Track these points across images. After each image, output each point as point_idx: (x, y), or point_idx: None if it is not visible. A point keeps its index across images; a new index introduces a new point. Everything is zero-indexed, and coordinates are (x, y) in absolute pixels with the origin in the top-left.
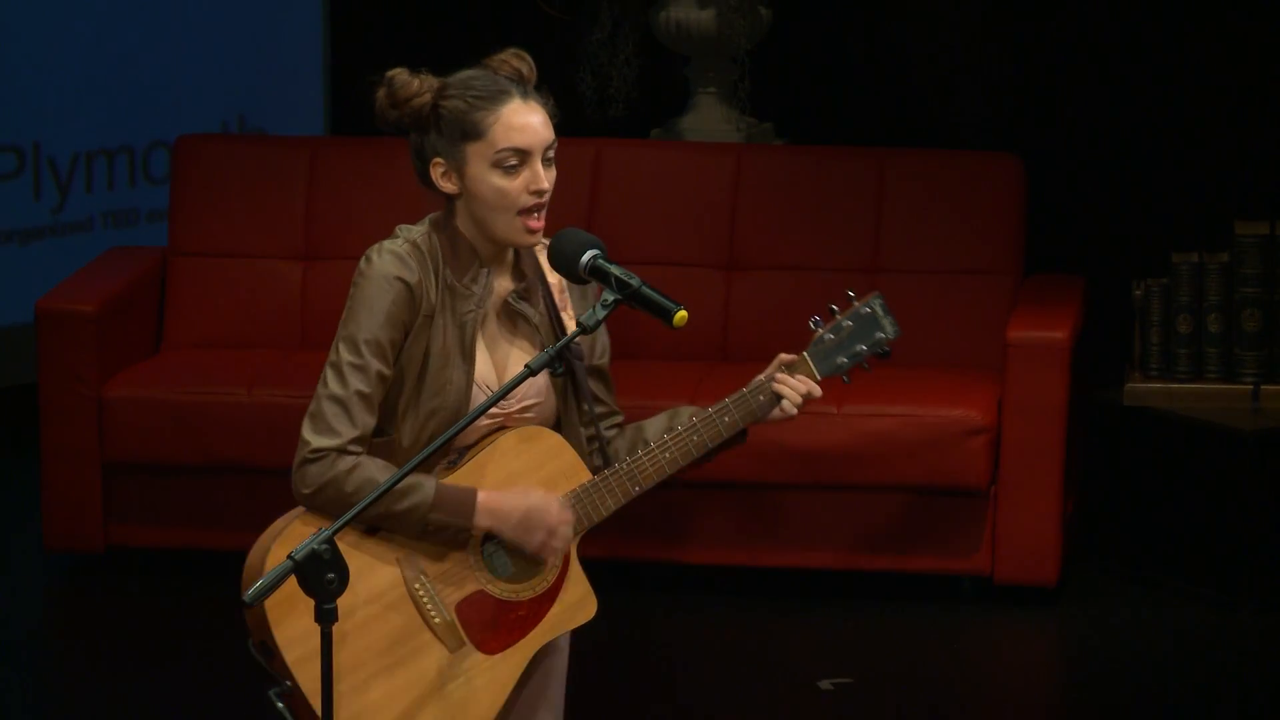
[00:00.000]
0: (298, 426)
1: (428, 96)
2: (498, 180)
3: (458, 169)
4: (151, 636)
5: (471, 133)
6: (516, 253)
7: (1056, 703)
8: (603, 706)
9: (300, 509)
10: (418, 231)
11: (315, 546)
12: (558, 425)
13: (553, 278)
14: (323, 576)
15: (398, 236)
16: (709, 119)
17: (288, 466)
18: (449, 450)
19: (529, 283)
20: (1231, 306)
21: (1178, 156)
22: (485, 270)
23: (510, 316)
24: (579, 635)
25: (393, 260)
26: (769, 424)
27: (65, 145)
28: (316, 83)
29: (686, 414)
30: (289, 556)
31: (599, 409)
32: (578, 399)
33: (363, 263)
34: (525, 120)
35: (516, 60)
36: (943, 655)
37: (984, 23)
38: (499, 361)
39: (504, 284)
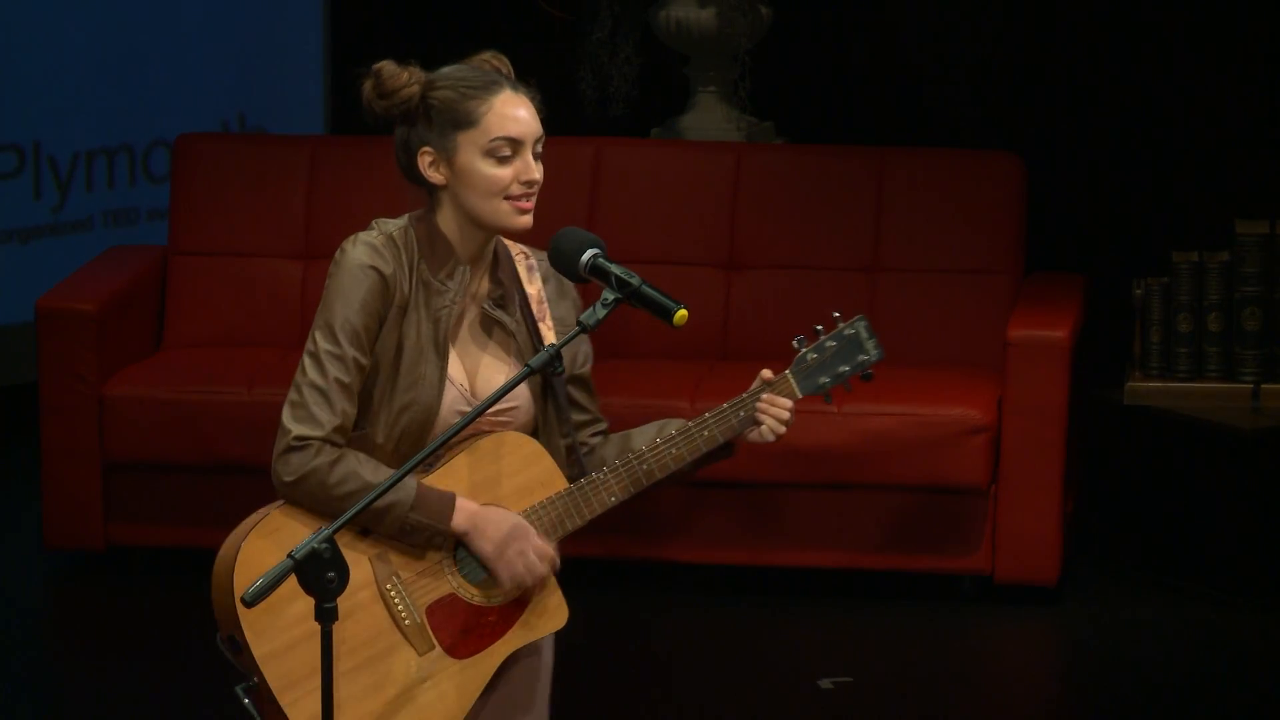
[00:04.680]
0: None
1: (416, 88)
2: (489, 169)
3: (448, 158)
4: (151, 636)
5: (464, 121)
6: (495, 259)
7: (1056, 703)
8: (602, 706)
9: (275, 504)
10: (395, 225)
11: (315, 545)
12: (535, 433)
13: (531, 288)
14: (323, 575)
15: (373, 229)
16: (709, 118)
17: None
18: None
19: (505, 290)
20: (1231, 306)
21: (1178, 156)
22: (463, 268)
23: (486, 323)
24: (580, 636)
25: (366, 250)
26: (746, 442)
27: (65, 144)
28: (316, 82)
29: (676, 425)
30: (289, 555)
31: (582, 417)
32: (556, 408)
33: (337, 253)
34: (517, 110)
35: (496, 60)
36: (943, 655)
37: (984, 23)
38: (470, 365)
39: (481, 289)
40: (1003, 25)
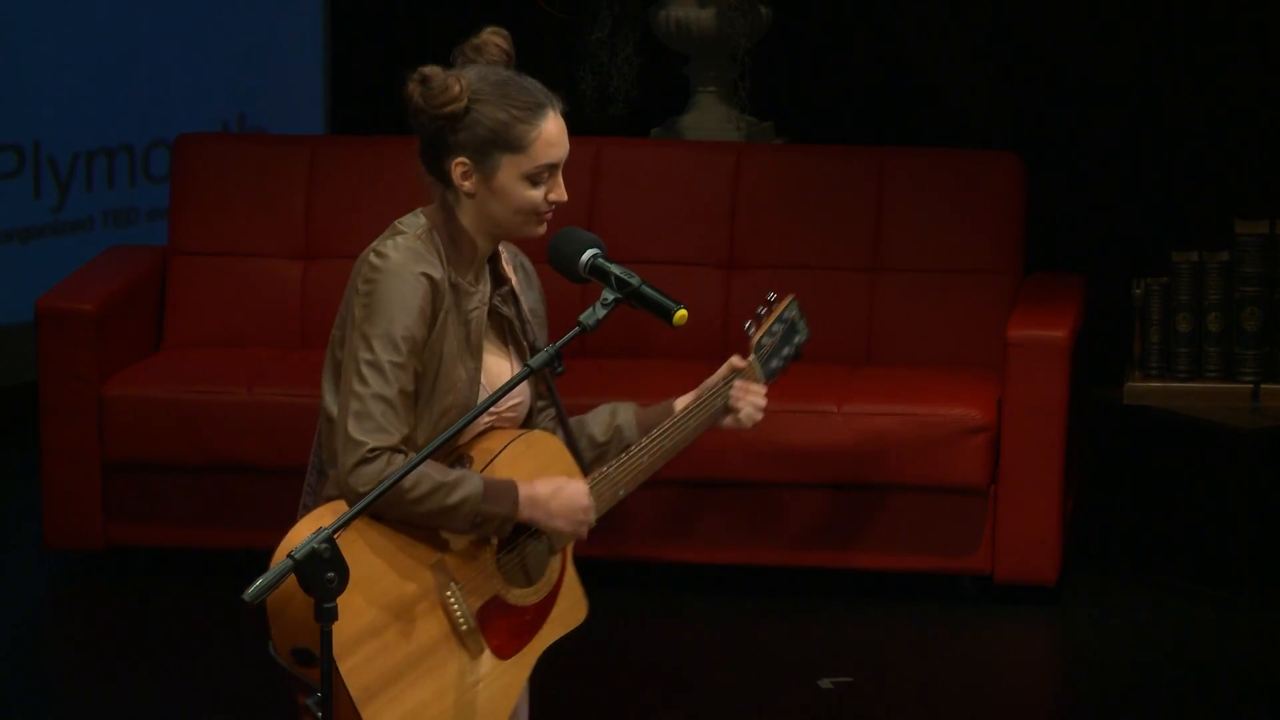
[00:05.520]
0: (298, 425)
1: (465, 101)
2: (526, 191)
3: (484, 175)
4: (151, 636)
5: (513, 145)
6: (493, 256)
7: (1056, 703)
8: (602, 706)
9: (321, 509)
10: (420, 226)
11: (315, 545)
12: (527, 423)
13: (513, 280)
14: (323, 575)
15: (405, 232)
16: (709, 118)
17: (288, 465)
18: (451, 451)
19: (508, 285)
20: (1231, 305)
21: (1178, 156)
22: (486, 268)
23: (492, 318)
24: (579, 635)
25: (414, 256)
26: (722, 429)
27: (65, 144)
28: (316, 82)
29: (627, 409)
30: (289, 555)
31: (540, 401)
32: (537, 396)
33: (375, 259)
34: (560, 133)
35: (500, 39)
36: (943, 655)
37: (983, 23)
38: (487, 362)
39: (485, 286)
40: (1002, 25)
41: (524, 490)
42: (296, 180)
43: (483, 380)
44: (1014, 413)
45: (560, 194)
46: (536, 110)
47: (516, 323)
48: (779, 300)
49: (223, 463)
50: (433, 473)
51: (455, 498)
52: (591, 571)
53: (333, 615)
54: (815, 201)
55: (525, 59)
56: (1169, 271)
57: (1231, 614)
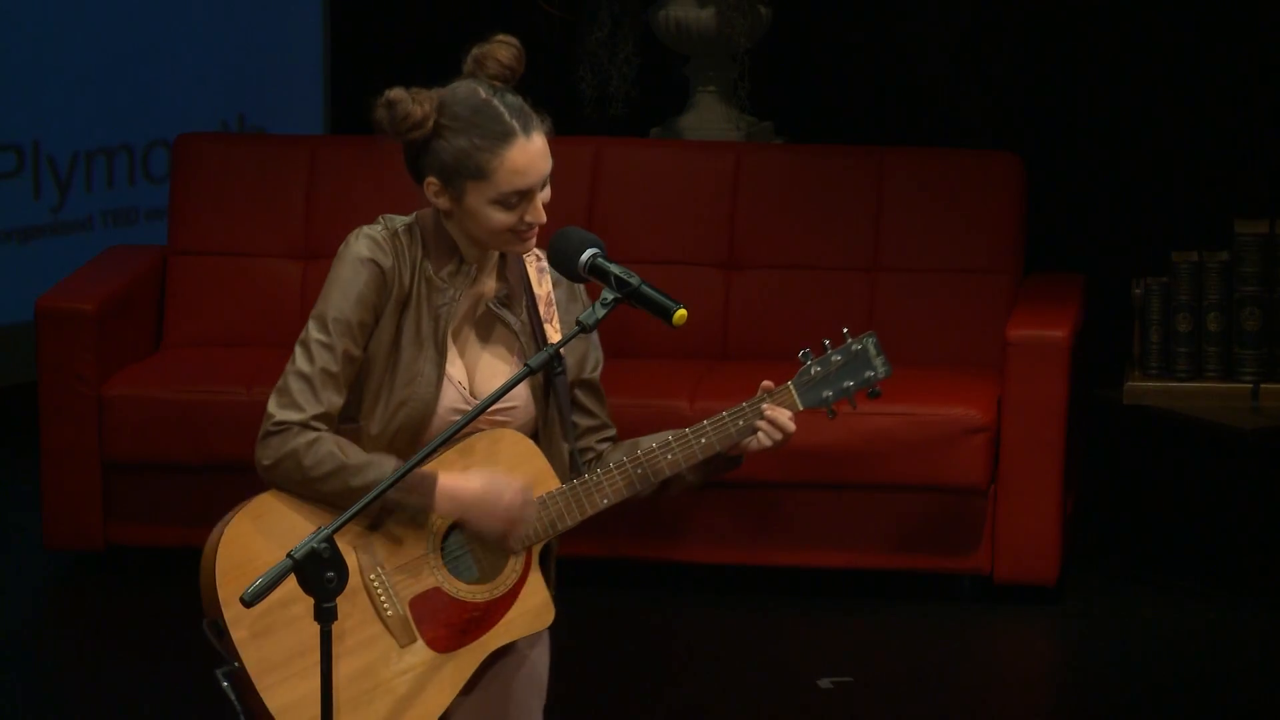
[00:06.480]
0: None
1: (429, 126)
2: (497, 214)
3: (454, 196)
4: (151, 636)
5: (475, 173)
6: (502, 258)
7: (1056, 703)
8: (602, 706)
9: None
10: (401, 221)
11: (315, 545)
12: (535, 436)
13: (540, 289)
14: (322, 575)
15: (378, 223)
16: (709, 118)
17: None
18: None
19: (511, 289)
20: (1231, 305)
21: (1178, 156)
22: (467, 265)
23: (489, 321)
24: (580, 635)
25: (368, 244)
26: (747, 451)
27: (65, 144)
28: (316, 82)
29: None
30: (288, 555)
31: (590, 422)
32: (559, 412)
33: (342, 245)
34: (529, 161)
35: (503, 52)
36: (943, 655)
37: (983, 23)
38: (470, 364)
39: (487, 287)
40: (1003, 26)
41: (445, 482)
42: (296, 180)
43: (455, 378)
44: (1014, 413)
45: (537, 216)
46: (502, 139)
47: (518, 327)
48: (851, 334)
49: (223, 463)
50: (338, 453)
51: (359, 481)
52: (591, 571)
53: (332, 615)
54: (815, 201)
55: (525, 59)
56: (1169, 271)
57: (1232, 614)
